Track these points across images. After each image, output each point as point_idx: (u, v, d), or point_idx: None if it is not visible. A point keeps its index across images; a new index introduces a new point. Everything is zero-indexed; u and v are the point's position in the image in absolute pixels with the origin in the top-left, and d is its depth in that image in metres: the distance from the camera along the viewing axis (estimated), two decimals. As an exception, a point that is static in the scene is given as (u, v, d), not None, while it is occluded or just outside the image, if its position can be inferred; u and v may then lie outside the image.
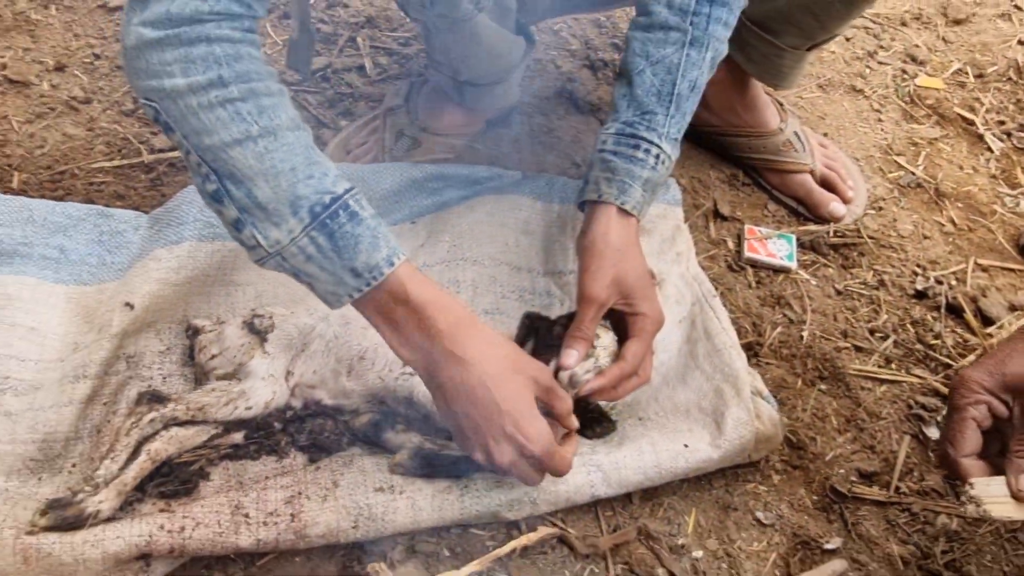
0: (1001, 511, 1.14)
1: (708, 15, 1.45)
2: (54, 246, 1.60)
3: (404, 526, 1.32)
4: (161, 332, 1.50)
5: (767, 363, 1.66)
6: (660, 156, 1.44)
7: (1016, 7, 2.49)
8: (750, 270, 1.81)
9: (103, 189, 1.77)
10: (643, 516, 1.43)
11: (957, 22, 2.42)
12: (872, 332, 1.73)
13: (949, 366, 1.68)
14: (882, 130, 2.13)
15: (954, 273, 1.85)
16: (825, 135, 2.08)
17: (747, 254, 1.81)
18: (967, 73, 2.27)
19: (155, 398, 1.37)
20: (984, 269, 1.87)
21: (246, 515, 1.28)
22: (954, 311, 1.78)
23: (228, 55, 1.15)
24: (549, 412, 1.30)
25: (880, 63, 2.29)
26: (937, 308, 1.78)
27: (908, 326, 1.75)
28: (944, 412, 1.24)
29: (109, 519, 1.26)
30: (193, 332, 1.48)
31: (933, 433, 1.57)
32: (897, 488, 1.51)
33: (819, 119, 2.13)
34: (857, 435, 1.58)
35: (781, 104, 1.98)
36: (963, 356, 1.70)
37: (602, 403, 1.47)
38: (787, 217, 1.92)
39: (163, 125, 1.19)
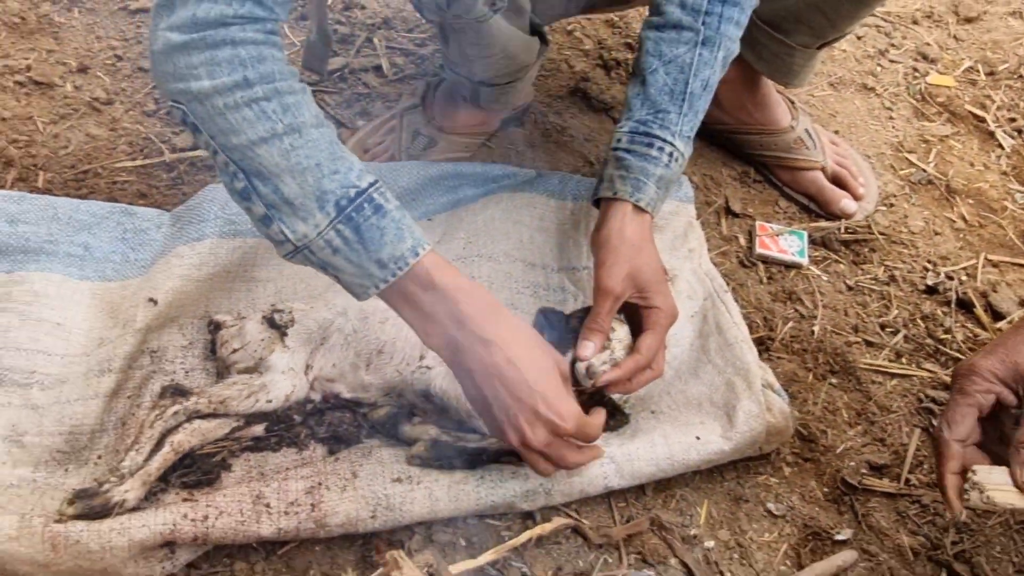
0: (1004, 498, 1.16)
1: (720, 15, 1.46)
2: (79, 243, 1.62)
3: (421, 516, 1.34)
4: (184, 327, 1.53)
5: (778, 357, 1.67)
6: (673, 154, 1.46)
7: (1027, 5, 2.49)
8: (761, 266, 1.82)
9: (126, 188, 1.79)
10: (656, 507, 1.45)
11: (968, 20, 2.42)
12: (883, 327, 1.75)
13: (959, 360, 1.69)
14: (893, 127, 2.14)
15: (964, 269, 1.86)
16: (836, 132, 2.09)
17: (759, 250, 1.82)
18: (978, 71, 2.27)
19: (178, 391, 1.39)
20: (994, 264, 1.88)
21: (267, 505, 1.30)
22: (964, 306, 1.79)
23: (252, 57, 1.17)
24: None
25: (891, 61, 2.29)
26: (947, 303, 1.80)
27: (919, 321, 1.76)
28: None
29: (134, 508, 1.28)
30: (215, 327, 1.50)
31: (943, 427, 1.59)
32: (907, 480, 1.53)
33: (830, 117, 2.14)
34: (868, 428, 1.59)
35: (792, 102, 1.99)
36: (973, 351, 1.71)
37: (615, 396, 1.49)
38: (798, 214, 1.93)
39: (190, 127, 1.22)
